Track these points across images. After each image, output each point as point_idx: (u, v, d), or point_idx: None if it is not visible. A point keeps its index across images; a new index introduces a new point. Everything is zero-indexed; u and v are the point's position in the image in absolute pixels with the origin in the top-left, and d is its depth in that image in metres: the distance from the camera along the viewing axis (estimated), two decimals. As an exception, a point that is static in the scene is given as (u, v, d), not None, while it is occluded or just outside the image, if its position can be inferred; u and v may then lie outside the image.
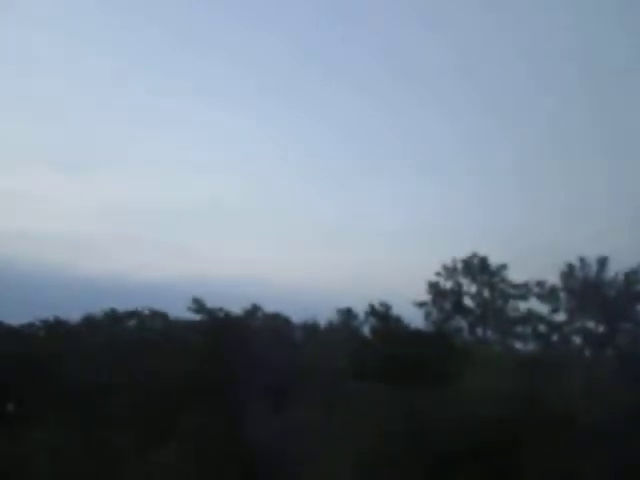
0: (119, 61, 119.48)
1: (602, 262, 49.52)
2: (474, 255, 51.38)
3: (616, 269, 48.68)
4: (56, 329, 52.08)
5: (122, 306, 55.24)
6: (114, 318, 54.17)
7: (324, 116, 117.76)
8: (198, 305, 55.62)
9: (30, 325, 54.43)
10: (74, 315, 54.27)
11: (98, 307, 54.86)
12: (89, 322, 53.71)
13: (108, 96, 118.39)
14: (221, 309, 55.34)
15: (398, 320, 50.22)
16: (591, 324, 49.61)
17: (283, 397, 28.47)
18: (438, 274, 51.90)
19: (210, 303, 55.60)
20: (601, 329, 49.34)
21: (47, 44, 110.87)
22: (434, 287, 51.73)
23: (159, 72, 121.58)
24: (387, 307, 51.34)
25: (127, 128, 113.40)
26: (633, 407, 27.68)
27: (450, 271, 51.69)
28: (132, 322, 54.84)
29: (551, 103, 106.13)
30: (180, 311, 54.45)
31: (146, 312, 54.80)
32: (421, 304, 51.55)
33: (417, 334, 44.89)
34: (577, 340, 50.00)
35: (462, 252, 51.61)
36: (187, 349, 34.48)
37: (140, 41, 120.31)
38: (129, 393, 32.21)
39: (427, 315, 51.33)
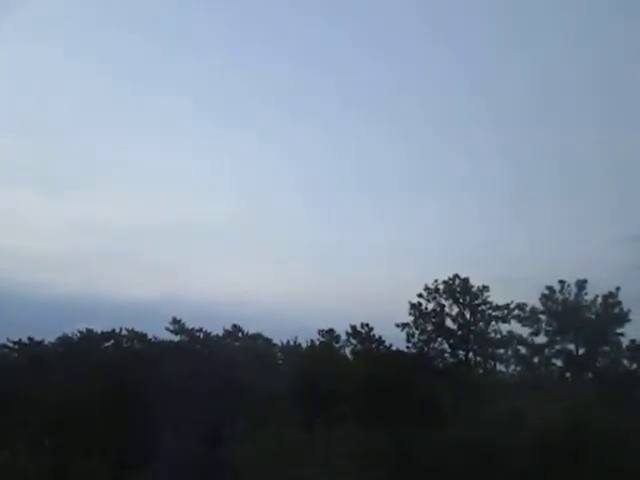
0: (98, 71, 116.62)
1: (581, 285, 49.87)
2: (456, 277, 51.38)
3: (595, 292, 49.13)
4: (30, 350, 50.76)
5: (100, 326, 54.25)
6: (90, 339, 53.01)
7: (317, 131, 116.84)
8: (177, 326, 54.79)
9: (3, 346, 53.07)
10: (50, 336, 53.20)
11: (75, 327, 53.84)
12: (65, 343, 52.48)
13: (87, 112, 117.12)
14: (201, 329, 54.59)
15: (380, 341, 49.93)
16: (571, 346, 49.75)
17: (262, 417, 27.96)
18: (420, 295, 51.74)
19: (190, 323, 54.86)
20: (581, 351, 49.46)
21: (22, 57, 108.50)
22: (416, 308, 51.49)
23: (141, 82, 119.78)
24: (369, 328, 51.05)
25: (108, 145, 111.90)
26: (613, 428, 27.65)
27: (432, 292, 51.53)
28: (109, 343, 53.71)
29: (542, 125, 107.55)
30: (159, 331, 53.61)
31: (124, 332, 53.77)
32: (403, 325, 51.23)
33: (398, 355, 44.64)
34: (558, 362, 50.02)
35: (444, 274, 51.63)
36: (161, 370, 33.78)
37: (121, 53, 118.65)
38: (102, 415, 31.40)
39: (409, 336, 50.98)
